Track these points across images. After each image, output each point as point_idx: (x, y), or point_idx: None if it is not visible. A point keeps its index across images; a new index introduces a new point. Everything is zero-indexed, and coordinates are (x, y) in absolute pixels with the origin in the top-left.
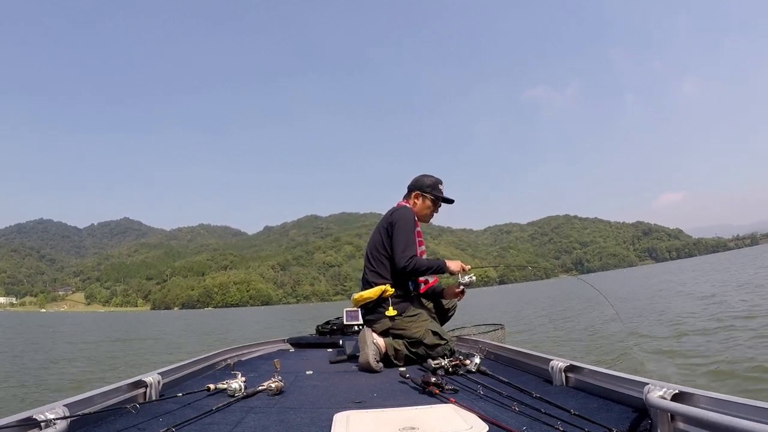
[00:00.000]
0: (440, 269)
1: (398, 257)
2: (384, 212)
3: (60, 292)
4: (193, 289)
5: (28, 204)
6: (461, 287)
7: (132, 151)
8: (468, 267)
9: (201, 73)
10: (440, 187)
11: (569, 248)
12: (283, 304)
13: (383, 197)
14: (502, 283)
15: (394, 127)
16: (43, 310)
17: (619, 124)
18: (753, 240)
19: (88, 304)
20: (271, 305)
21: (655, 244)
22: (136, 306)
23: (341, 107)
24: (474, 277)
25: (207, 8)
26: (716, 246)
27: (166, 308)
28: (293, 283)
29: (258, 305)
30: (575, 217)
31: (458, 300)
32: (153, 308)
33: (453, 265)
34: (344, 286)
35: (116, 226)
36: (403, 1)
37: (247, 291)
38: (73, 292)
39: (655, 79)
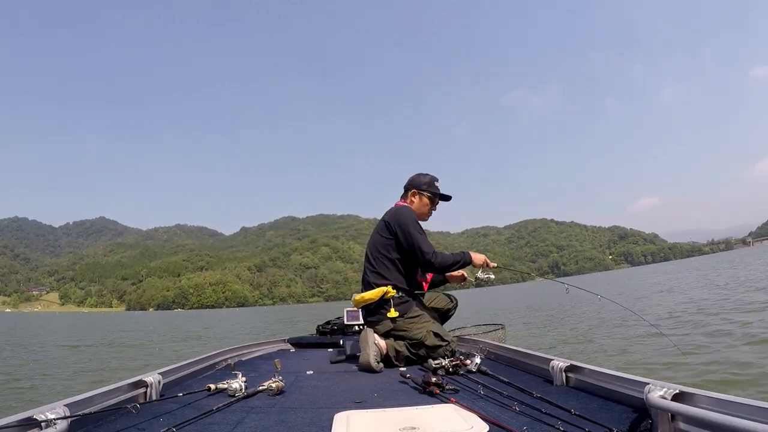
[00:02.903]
0: (465, 263)
1: (423, 255)
2: (361, 214)
3: (34, 292)
4: (168, 290)
5: (2, 202)
6: (466, 277)
7: (109, 150)
8: (493, 264)
9: (187, 74)
10: (436, 184)
11: (546, 252)
12: (259, 305)
13: (361, 199)
14: (478, 286)
15: (375, 129)
16: (8, 310)
17: (595, 128)
18: (728, 245)
19: (63, 304)
20: (247, 307)
21: (630, 249)
22: (111, 307)
23: (323, 108)
24: (492, 276)
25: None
26: (691, 251)
27: (141, 309)
28: (270, 285)
29: (234, 306)
30: (552, 220)
31: (461, 284)
32: (128, 309)
33: (477, 257)
34: (321, 288)
35: (92, 226)
36: (395, 3)
37: (223, 292)
38: (48, 292)
39: (633, 84)
